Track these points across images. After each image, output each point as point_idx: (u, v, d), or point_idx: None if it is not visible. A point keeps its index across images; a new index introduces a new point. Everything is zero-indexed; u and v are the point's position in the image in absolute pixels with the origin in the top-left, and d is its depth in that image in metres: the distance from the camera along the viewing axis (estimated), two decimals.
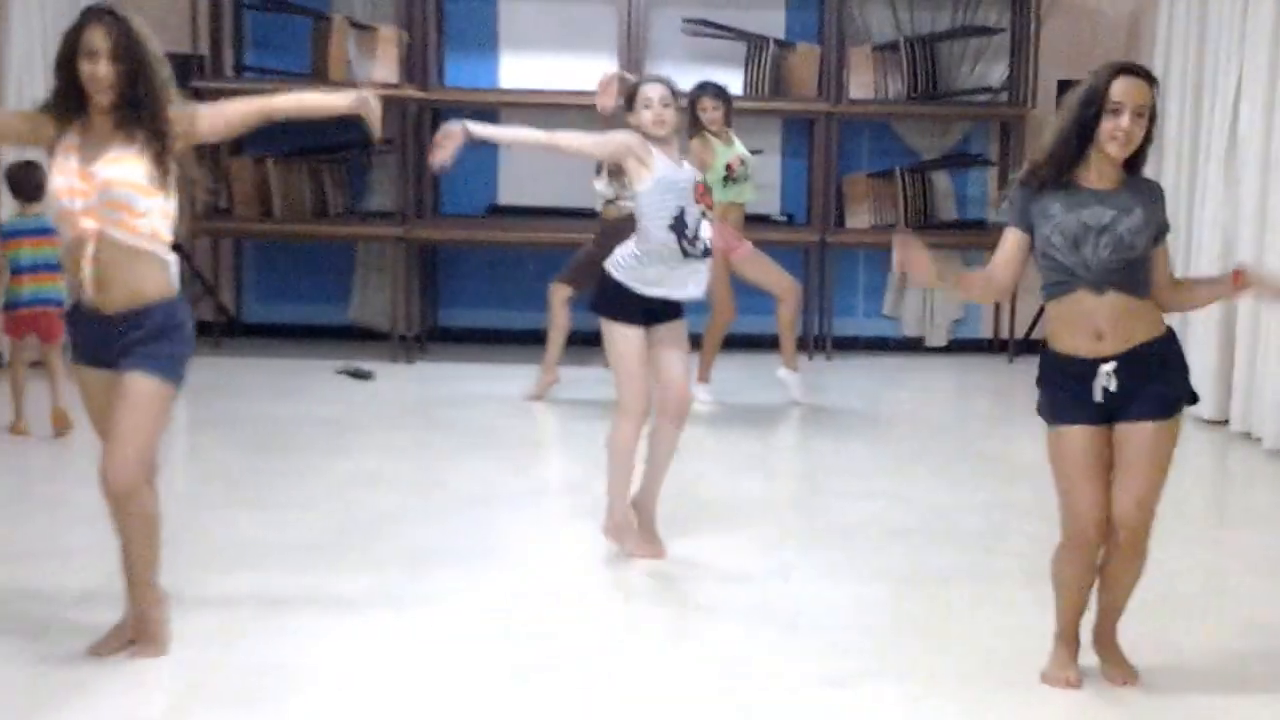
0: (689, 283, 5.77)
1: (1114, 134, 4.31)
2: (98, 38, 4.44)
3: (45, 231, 7.56)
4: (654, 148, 5.74)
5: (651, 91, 5.78)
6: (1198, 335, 8.98)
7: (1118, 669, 4.67)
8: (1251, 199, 8.54)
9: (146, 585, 4.67)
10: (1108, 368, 4.39)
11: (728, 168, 9.00)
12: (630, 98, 5.83)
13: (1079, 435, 4.44)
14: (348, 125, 11.51)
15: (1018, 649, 4.86)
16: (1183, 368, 4.51)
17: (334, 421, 8.68)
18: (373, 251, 11.69)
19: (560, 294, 9.45)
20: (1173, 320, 4.66)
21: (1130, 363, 4.39)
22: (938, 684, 4.64)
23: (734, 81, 10.63)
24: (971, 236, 11.72)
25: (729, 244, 9.11)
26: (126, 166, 4.47)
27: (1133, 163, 4.44)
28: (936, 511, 6.84)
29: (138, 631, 4.69)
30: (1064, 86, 10.71)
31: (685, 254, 5.72)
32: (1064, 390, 4.46)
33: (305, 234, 11.27)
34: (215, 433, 8.14)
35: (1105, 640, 4.72)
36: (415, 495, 6.91)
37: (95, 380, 4.61)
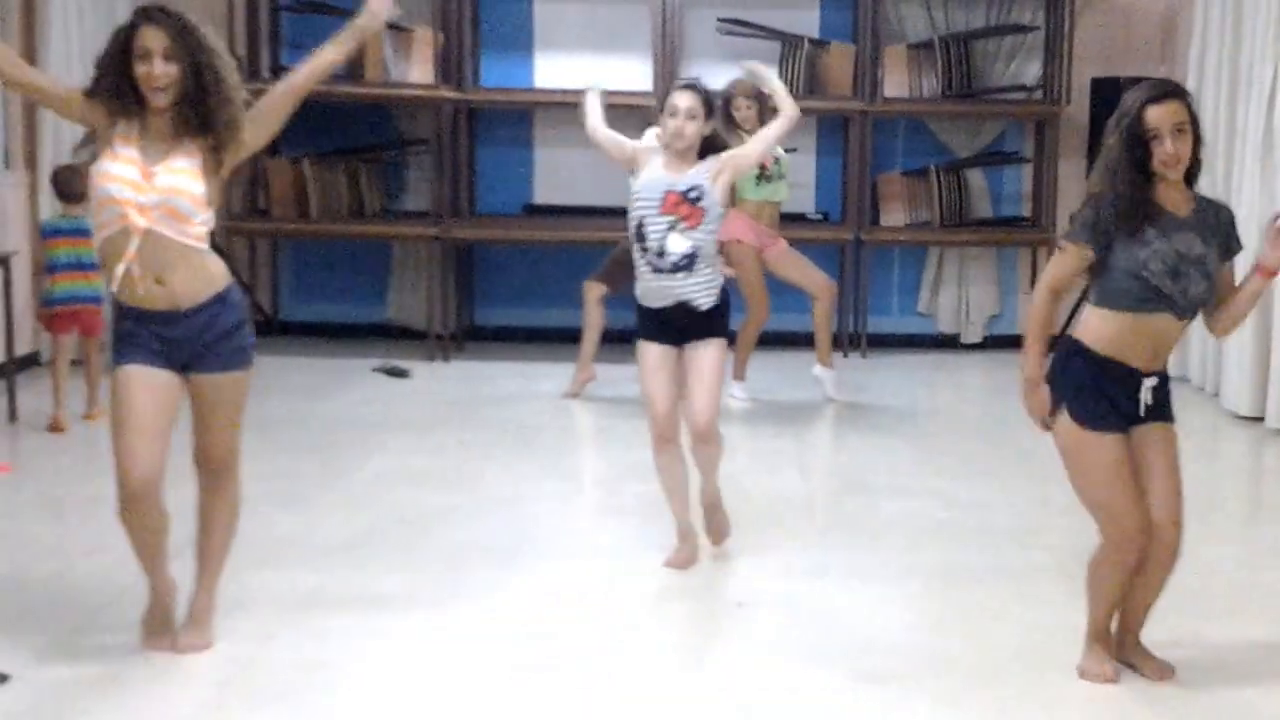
0: (666, 296, 5.60)
1: (1164, 159, 4.36)
2: (150, 38, 4.38)
3: (83, 232, 7.69)
4: (656, 156, 5.69)
5: (680, 100, 5.62)
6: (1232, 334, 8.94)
7: (1152, 667, 4.68)
8: None
9: (217, 577, 4.80)
10: (1150, 382, 4.46)
11: (761, 166, 9.01)
12: (665, 97, 5.80)
13: (1118, 444, 4.47)
14: (384, 126, 11.74)
15: (1053, 645, 4.87)
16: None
17: (371, 420, 8.73)
18: (409, 251, 11.74)
19: (594, 292, 9.48)
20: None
21: (1161, 379, 4.53)
22: (973, 680, 4.66)
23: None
24: (1006, 234, 11.71)
25: (763, 242, 9.13)
26: (189, 179, 4.45)
27: (1190, 173, 4.47)
28: (971, 508, 6.85)
29: (191, 623, 4.77)
30: (1099, 84, 10.77)
31: (653, 267, 5.58)
32: (1106, 396, 4.46)
33: (342, 234, 11.32)
34: (253, 431, 8.10)
35: (1131, 644, 4.73)
36: (453, 494, 6.94)
37: (152, 381, 4.49)
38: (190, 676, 4.57)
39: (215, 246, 4.71)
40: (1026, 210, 11.87)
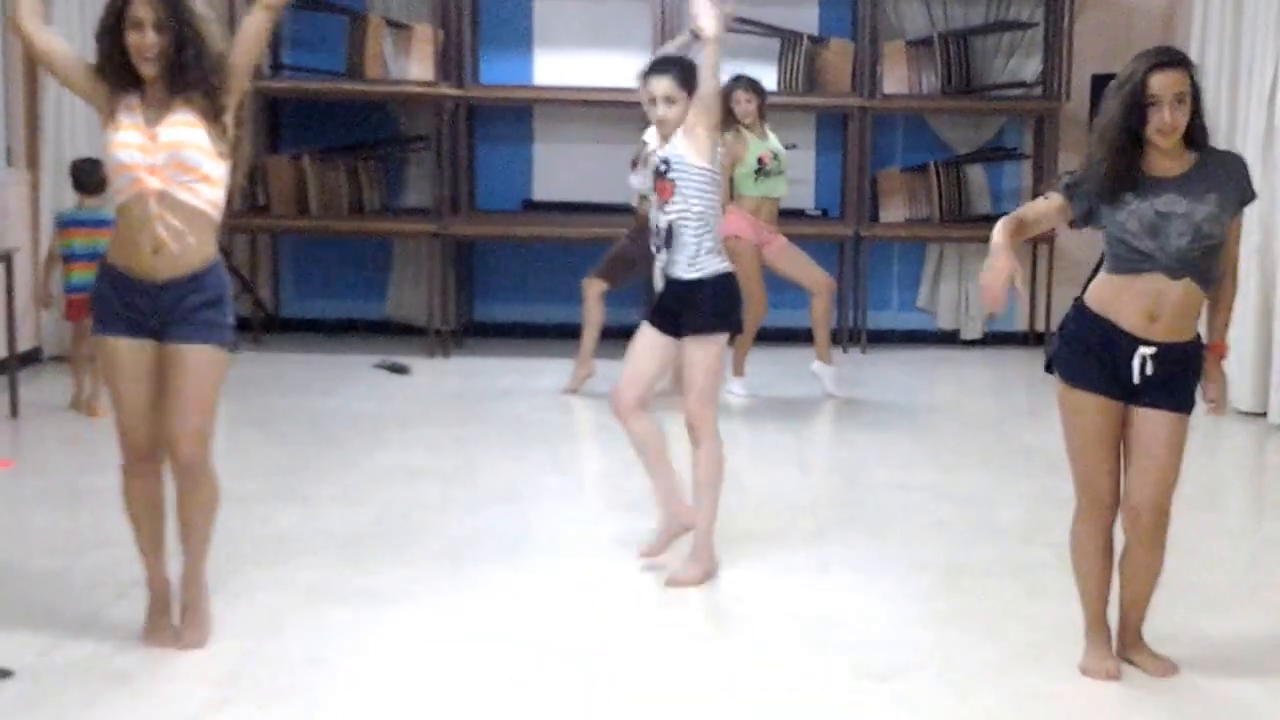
0: (659, 276, 5.60)
1: (1159, 127, 4.35)
2: (141, 8, 4.47)
3: (100, 223, 7.79)
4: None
5: (655, 88, 5.55)
6: (1235, 327, 8.93)
7: (1154, 663, 4.68)
8: None
9: (201, 569, 4.76)
10: (1147, 351, 4.41)
11: (760, 161, 9.04)
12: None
13: (1099, 405, 4.48)
14: (384, 122, 11.74)
15: (1056, 640, 4.88)
16: (1199, 375, 4.56)
17: (371, 415, 8.73)
18: (409, 247, 11.74)
19: (594, 288, 9.49)
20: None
21: (1166, 355, 4.43)
22: (976, 676, 4.66)
23: (768, 77, 10.66)
24: None
25: (762, 238, 9.14)
26: (190, 130, 4.52)
27: (1192, 140, 4.45)
28: (974, 504, 6.85)
29: (186, 620, 4.76)
30: (1098, 80, 10.75)
31: (654, 246, 5.61)
32: (1093, 354, 4.48)
33: (342, 230, 11.32)
34: (254, 427, 8.20)
35: (1132, 641, 4.73)
36: (452, 489, 6.95)
37: (129, 350, 4.59)
38: (192, 671, 4.57)
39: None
40: (1021, 202, 11.84)
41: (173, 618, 4.80)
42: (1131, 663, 4.70)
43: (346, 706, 4.36)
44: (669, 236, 5.51)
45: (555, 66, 11.75)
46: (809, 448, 8.53)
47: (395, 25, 11.33)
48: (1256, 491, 7.83)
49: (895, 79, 11.54)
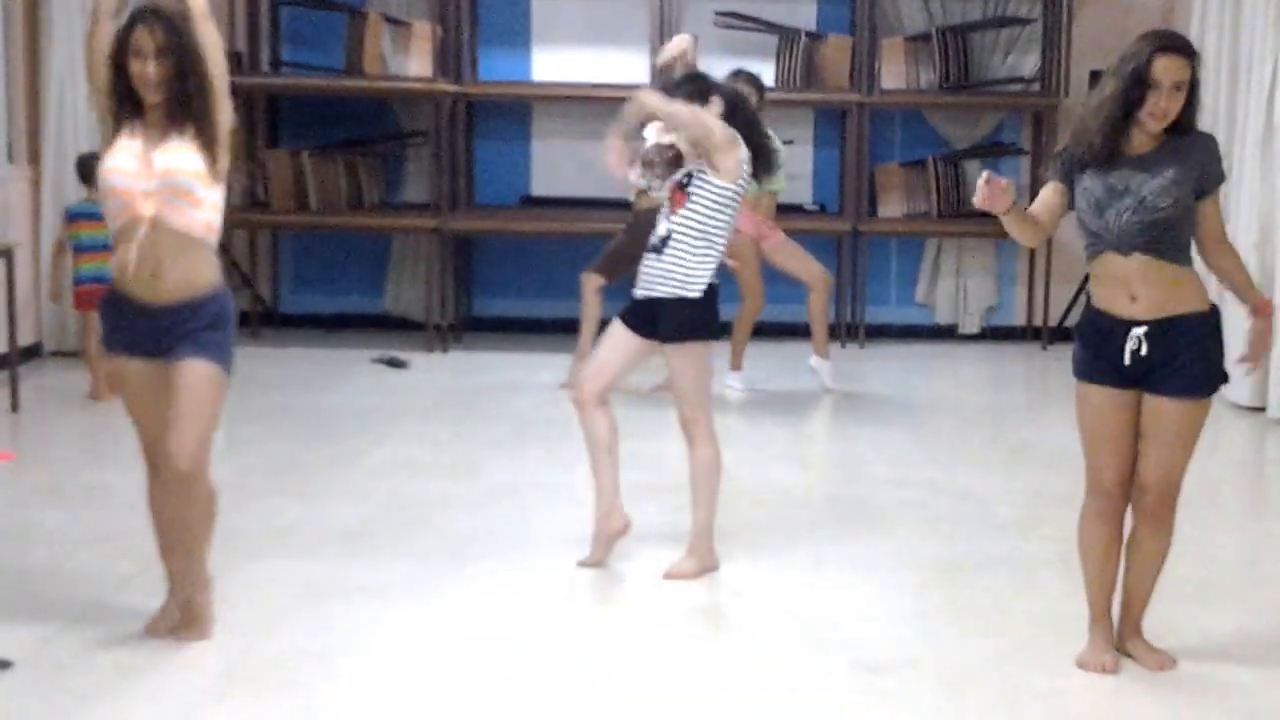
0: (642, 279, 5.59)
1: (1153, 111, 4.38)
2: (144, 38, 4.48)
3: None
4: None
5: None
6: (1234, 320, 8.94)
7: (1152, 658, 4.70)
8: None
9: (199, 570, 4.77)
10: (1138, 331, 4.43)
11: None
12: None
13: (1103, 396, 4.52)
14: (383, 118, 11.76)
15: (1054, 635, 4.89)
16: (1218, 346, 4.51)
17: (370, 410, 8.74)
18: (408, 242, 11.75)
19: (592, 284, 9.49)
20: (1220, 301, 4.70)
21: (1163, 332, 4.43)
22: (974, 671, 4.67)
23: (766, 73, 10.67)
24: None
25: (760, 232, 9.15)
26: (185, 155, 4.54)
27: (1175, 128, 4.46)
28: (970, 498, 6.86)
29: (184, 615, 4.77)
30: (1096, 76, 10.74)
31: (650, 247, 5.61)
32: (1093, 347, 4.53)
33: (341, 225, 11.35)
34: (253, 422, 8.21)
35: (1131, 633, 4.74)
36: (453, 484, 6.96)
37: (138, 371, 4.65)
38: (192, 665, 4.58)
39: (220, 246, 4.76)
40: (1024, 202, 11.80)
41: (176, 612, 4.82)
42: (1130, 655, 4.71)
43: (346, 701, 4.37)
44: (665, 243, 5.51)
45: (553, 63, 11.76)
46: (807, 443, 8.54)
47: (394, 22, 11.35)
48: (1256, 486, 7.84)
49: (893, 75, 11.56)
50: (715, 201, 5.48)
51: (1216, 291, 4.96)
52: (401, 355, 10.34)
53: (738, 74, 9.18)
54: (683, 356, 5.51)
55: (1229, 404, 8.99)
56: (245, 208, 10.98)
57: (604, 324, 9.23)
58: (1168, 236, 4.43)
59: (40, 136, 9.94)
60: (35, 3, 9.86)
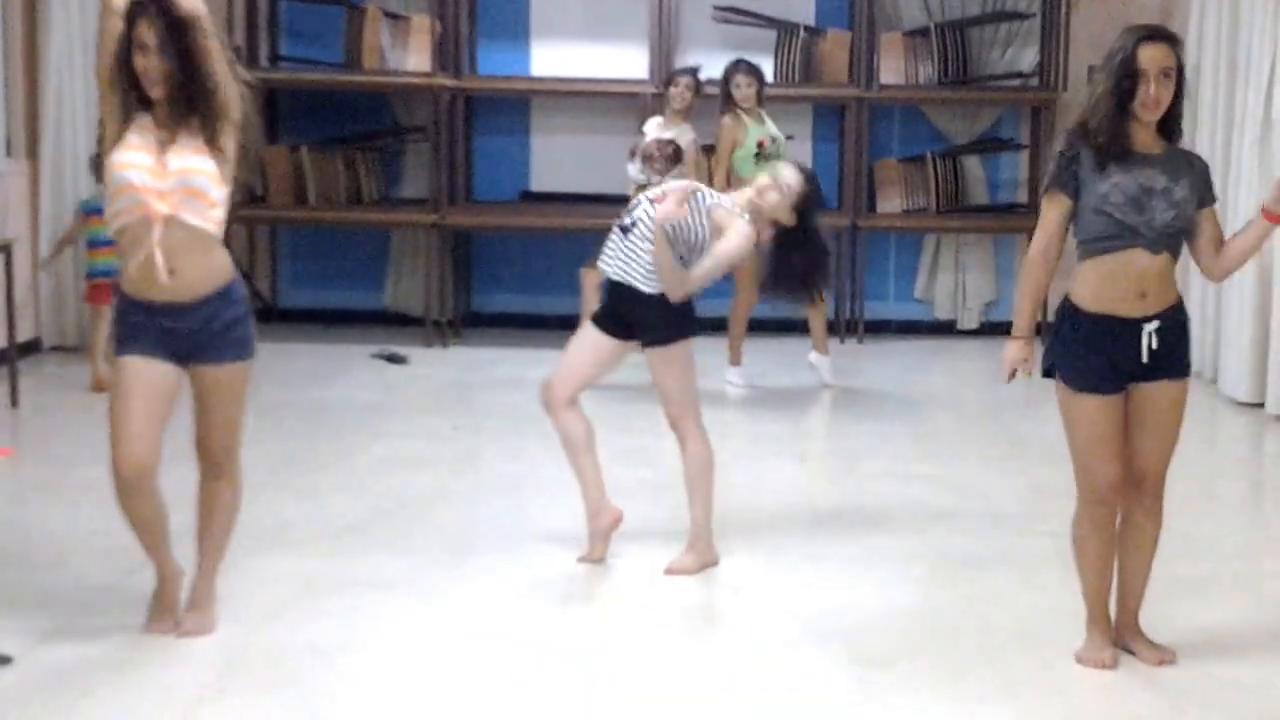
0: (607, 257, 5.55)
1: (1144, 100, 4.41)
2: (145, 31, 4.44)
3: None
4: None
5: None
6: (1233, 317, 8.98)
7: (1150, 652, 4.70)
8: None
9: (216, 564, 4.82)
10: (1151, 326, 4.45)
11: (759, 145, 9.07)
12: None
13: (1106, 405, 4.51)
14: (381, 113, 11.76)
15: (1053, 630, 4.90)
16: (1188, 339, 4.65)
17: (370, 406, 8.75)
18: (407, 238, 11.75)
19: (592, 279, 9.44)
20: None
21: (1166, 324, 4.49)
22: (973, 665, 4.68)
23: (765, 68, 10.64)
24: (1003, 221, 11.73)
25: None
26: (199, 157, 4.51)
27: (1168, 128, 4.52)
28: (969, 493, 6.87)
29: (191, 608, 4.79)
30: (1095, 71, 10.77)
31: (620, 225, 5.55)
32: (1100, 355, 4.50)
33: (340, 221, 11.35)
34: (252, 417, 8.11)
35: (1129, 628, 4.75)
36: (452, 479, 6.97)
37: (151, 375, 4.54)
38: (192, 660, 4.59)
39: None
40: (1023, 197, 11.87)
41: (178, 607, 4.82)
42: (1130, 651, 4.71)
43: (345, 696, 4.37)
44: (632, 228, 5.48)
45: (552, 57, 11.76)
46: (806, 438, 8.55)
47: (392, 16, 11.35)
48: (1254, 481, 7.84)
49: (892, 70, 11.55)
50: (692, 235, 5.43)
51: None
52: (401, 351, 10.34)
53: (738, 63, 9.24)
54: (662, 359, 5.50)
55: (1227, 400, 9.01)
56: (244, 203, 10.96)
57: None
58: (1180, 241, 4.55)
59: (39, 131, 9.93)
60: None
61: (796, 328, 10.13)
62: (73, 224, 9.24)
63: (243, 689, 4.40)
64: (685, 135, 9.20)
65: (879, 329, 11.77)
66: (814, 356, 9.58)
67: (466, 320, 11.74)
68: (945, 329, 12.01)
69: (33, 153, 9.94)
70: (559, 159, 11.83)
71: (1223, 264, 4.66)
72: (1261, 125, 8.89)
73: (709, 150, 9.75)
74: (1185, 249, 4.62)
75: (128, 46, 4.47)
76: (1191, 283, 8.37)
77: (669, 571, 5.55)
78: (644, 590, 5.43)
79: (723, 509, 5.74)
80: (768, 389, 9.43)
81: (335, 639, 4.79)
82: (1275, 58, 8.73)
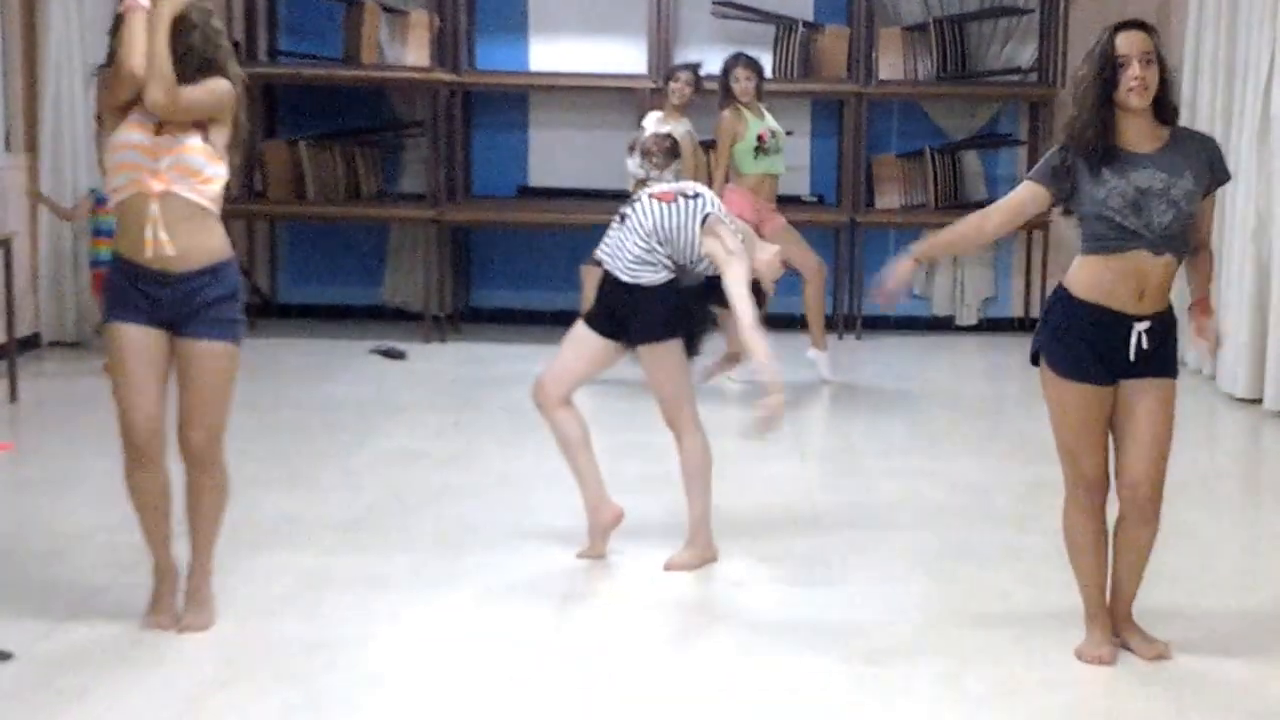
0: (604, 245, 5.58)
1: (1130, 84, 4.40)
2: None
3: None
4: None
5: None
6: (1230, 313, 8.98)
7: (1147, 645, 4.70)
8: None
9: (208, 557, 4.81)
10: (1142, 326, 4.46)
11: (759, 139, 9.08)
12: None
13: (1092, 393, 4.52)
14: (380, 108, 11.76)
15: (1052, 627, 4.90)
16: (1176, 341, 4.64)
17: (369, 401, 8.75)
18: (405, 233, 11.75)
19: (592, 275, 9.47)
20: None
21: (1156, 325, 4.49)
22: (971, 662, 4.68)
23: (763, 63, 10.65)
24: None
25: (761, 218, 9.14)
26: (192, 134, 4.58)
27: (1164, 114, 4.51)
28: (968, 490, 6.88)
29: (189, 603, 4.80)
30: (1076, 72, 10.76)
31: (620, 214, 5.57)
32: (1086, 342, 4.51)
33: (338, 216, 11.35)
34: (251, 412, 8.15)
35: (1123, 622, 4.75)
36: (451, 474, 6.97)
37: (138, 339, 4.62)
38: (191, 656, 4.59)
39: None
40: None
41: (176, 603, 4.83)
42: (1126, 647, 4.72)
43: (345, 692, 4.38)
44: (625, 219, 5.51)
45: (551, 52, 11.75)
46: (805, 434, 8.53)
47: (391, 11, 11.34)
48: (1252, 478, 7.85)
49: (890, 65, 11.55)
50: (683, 237, 5.42)
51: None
52: (399, 346, 10.35)
53: (737, 57, 9.24)
54: (658, 356, 5.49)
55: (1225, 396, 9.01)
56: (242, 198, 10.98)
57: None
58: (1189, 237, 4.53)
59: (37, 125, 9.93)
60: None
61: (795, 323, 10.12)
62: (80, 203, 9.37)
63: (241, 684, 4.40)
64: (681, 128, 9.20)
65: (877, 325, 11.76)
66: (812, 352, 9.58)
67: (465, 315, 11.74)
68: (944, 325, 12.02)
69: (31, 146, 9.93)
70: (557, 154, 11.83)
71: (1190, 263, 4.65)
72: (1259, 122, 8.89)
73: (708, 146, 9.75)
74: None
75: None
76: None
77: (668, 568, 5.55)
78: (643, 587, 5.44)
79: (721, 505, 5.74)
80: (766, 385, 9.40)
81: (334, 634, 4.80)
82: (1274, 55, 8.73)
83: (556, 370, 5.61)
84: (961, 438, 8.14)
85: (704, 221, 5.40)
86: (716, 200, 5.56)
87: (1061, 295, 4.60)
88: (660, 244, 5.40)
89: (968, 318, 12.00)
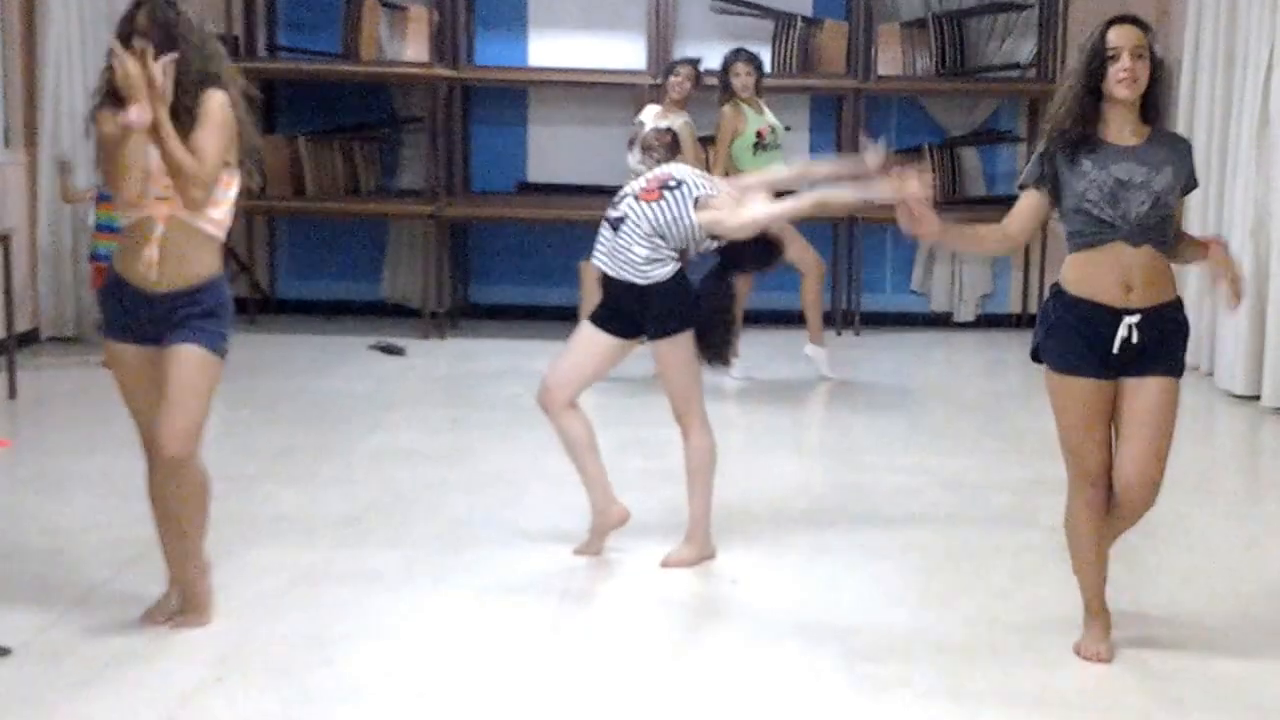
0: (599, 249, 5.56)
1: (1119, 76, 4.43)
2: (143, 19, 4.49)
3: None
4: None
5: None
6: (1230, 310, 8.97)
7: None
8: None
9: (195, 556, 4.78)
10: (1131, 319, 4.46)
11: (758, 134, 9.09)
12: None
13: (1089, 387, 4.52)
14: (379, 104, 11.76)
15: (1050, 623, 4.91)
16: (1187, 335, 4.64)
17: (368, 397, 8.75)
18: (404, 229, 11.75)
19: (591, 272, 9.47)
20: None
21: (1151, 321, 4.48)
22: (971, 660, 4.68)
23: (762, 59, 10.66)
24: (1000, 212, 11.59)
25: None
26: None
27: (1150, 112, 4.53)
28: (966, 486, 6.88)
29: (183, 601, 4.79)
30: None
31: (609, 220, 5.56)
32: (1080, 337, 4.52)
33: (337, 211, 11.35)
34: (250, 408, 8.21)
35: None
36: (450, 470, 6.97)
37: (133, 356, 4.65)
38: (189, 652, 4.59)
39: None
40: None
41: (173, 599, 4.83)
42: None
43: (342, 687, 4.38)
44: (620, 224, 5.48)
45: (550, 48, 11.76)
46: (802, 430, 8.55)
47: (390, 6, 11.34)
48: (1250, 475, 7.85)
49: (889, 61, 11.56)
50: (682, 227, 5.43)
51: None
52: (398, 342, 10.35)
53: (738, 53, 9.25)
54: (672, 349, 5.47)
55: (1223, 393, 9.02)
56: (241, 194, 10.94)
57: None
58: (1168, 230, 4.52)
59: (36, 121, 9.93)
60: None
61: (793, 319, 10.13)
62: (84, 190, 9.40)
63: (239, 680, 4.40)
64: (679, 120, 9.20)
65: (876, 321, 11.78)
66: (811, 349, 9.58)
67: (464, 312, 11.74)
68: (942, 321, 12.02)
69: (30, 143, 9.94)
70: (556, 150, 11.84)
71: (1174, 255, 4.65)
72: (1259, 117, 8.89)
73: (708, 141, 9.76)
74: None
75: (126, 38, 4.50)
76: (1189, 277, 8.38)
77: (665, 564, 5.55)
78: (641, 583, 5.44)
79: (720, 501, 5.73)
80: (765, 381, 9.43)
81: (332, 631, 4.80)
82: (1273, 50, 8.73)
83: (563, 373, 5.59)
84: (960, 434, 8.14)
85: (695, 205, 5.41)
86: (696, 176, 5.56)
87: (1056, 292, 4.63)
88: (663, 239, 5.41)
89: (966, 314, 12.01)
